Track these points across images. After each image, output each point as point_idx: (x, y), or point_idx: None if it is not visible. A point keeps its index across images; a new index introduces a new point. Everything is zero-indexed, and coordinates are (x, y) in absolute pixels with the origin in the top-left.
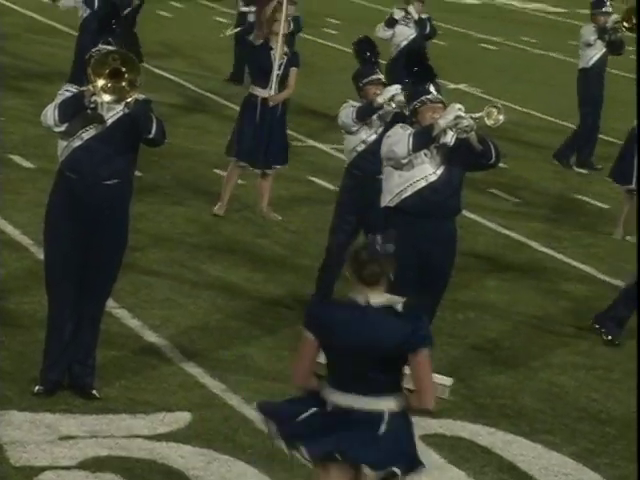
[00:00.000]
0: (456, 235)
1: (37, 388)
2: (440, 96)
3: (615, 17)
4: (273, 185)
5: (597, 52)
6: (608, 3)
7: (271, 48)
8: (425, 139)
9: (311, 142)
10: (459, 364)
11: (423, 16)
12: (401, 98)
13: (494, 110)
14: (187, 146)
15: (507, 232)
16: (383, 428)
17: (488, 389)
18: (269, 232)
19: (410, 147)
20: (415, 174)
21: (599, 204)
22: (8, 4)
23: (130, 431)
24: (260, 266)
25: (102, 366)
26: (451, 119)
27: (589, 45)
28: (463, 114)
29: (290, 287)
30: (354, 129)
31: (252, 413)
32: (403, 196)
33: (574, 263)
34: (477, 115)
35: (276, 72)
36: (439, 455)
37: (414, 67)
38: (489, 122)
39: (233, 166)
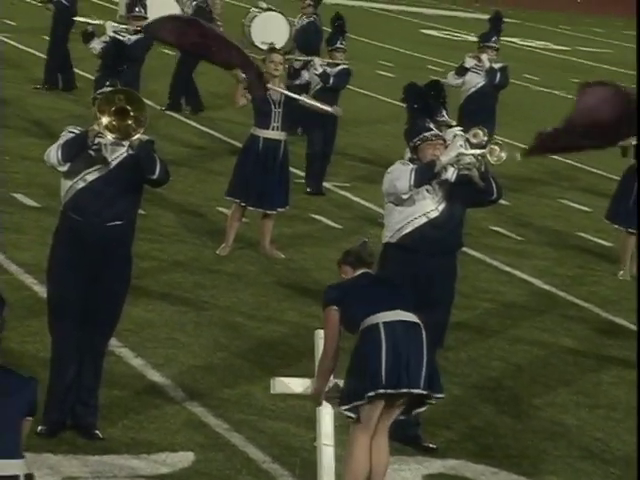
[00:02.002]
0: (456, 271)
1: (40, 428)
2: (440, 132)
3: None
4: (275, 223)
5: None
6: None
7: (267, 89)
8: (427, 175)
9: None
10: (462, 403)
11: (495, 65)
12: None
13: (496, 147)
14: (190, 184)
15: (509, 270)
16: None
17: (491, 428)
18: (272, 270)
19: (412, 182)
20: (416, 210)
21: (602, 242)
22: (14, 43)
23: (133, 471)
24: (263, 304)
25: (105, 406)
26: (453, 156)
27: None
28: (465, 151)
29: (293, 325)
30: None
31: (255, 452)
32: (403, 232)
33: (577, 301)
34: (479, 152)
35: (276, 111)
36: None
37: (413, 103)
38: (492, 159)
39: (235, 207)
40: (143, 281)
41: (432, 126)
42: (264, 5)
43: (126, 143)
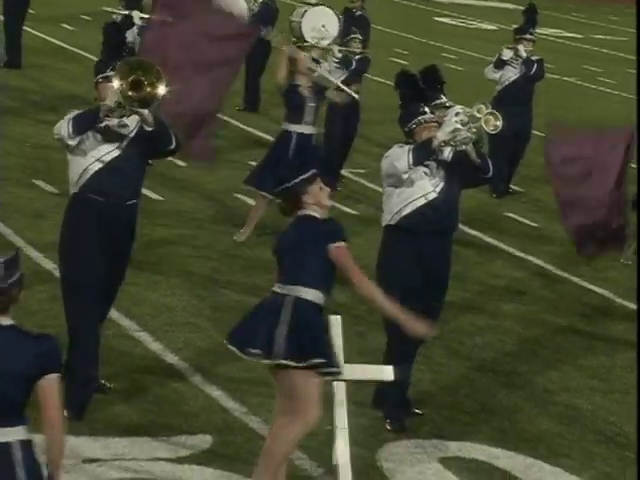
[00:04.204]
0: (452, 249)
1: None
2: (434, 115)
3: None
4: None
5: None
6: None
7: (298, 85)
8: (424, 153)
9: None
10: (477, 387)
11: (533, 57)
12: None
13: (491, 117)
14: (208, 172)
15: (524, 255)
16: None
17: (506, 412)
18: None
19: (410, 161)
20: (414, 192)
21: None
22: (34, 31)
23: (153, 454)
24: None
25: (125, 389)
26: (449, 131)
27: None
28: (461, 126)
29: None
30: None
31: None
32: (403, 213)
33: (591, 287)
34: (475, 124)
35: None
36: (458, 478)
37: (405, 89)
38: (488, 129)
39: (260, 198)
40: (162, 267)
41: (426, 109)
42: (313, 0)
43: (132, 122)
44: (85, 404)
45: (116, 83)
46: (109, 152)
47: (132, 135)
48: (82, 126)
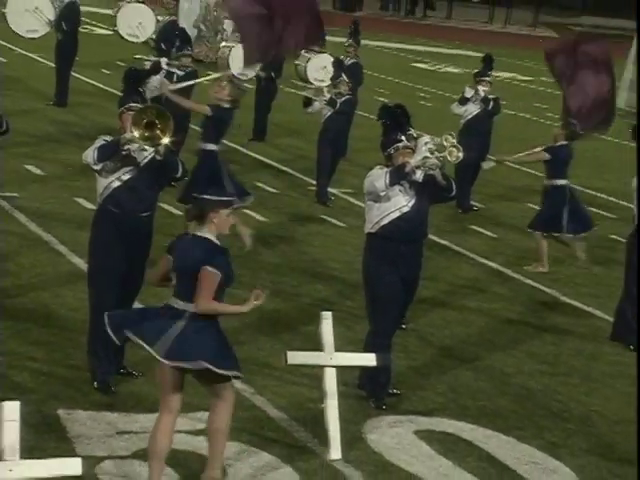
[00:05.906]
0: (423, 254)
1: (95, 384)
2: (409, 143)
3: None
4: (291, 223)
5: None
6: None
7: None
8: (399, 175)
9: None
10: (445, 371)
11: (490, 96)
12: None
13: (454, 149)
14: None
15: (485, 261)
16: None
17: (470, 392)
18: (289, 260)
19: (387, 182)
20: (391, 206)
21: None
22: (78, 75)
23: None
24: (281, 290)
25: (151, 374)
26: (420, 159)
27: None
28: (429, 155)
29: (305, 307)
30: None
31: (275, 412)
32: (381, 224)
33: (541, 287)
34: (441, 154)
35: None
36: (429, 447)
37: (386, 120)
38: (451, 159)
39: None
40: None
41: (402, 138)
42: (316, 48)
43: (150, 148)
44: (109, 381)
45: (134, 121)
46: (126, 172)
47: (146, 161)
48: (105, 155)
